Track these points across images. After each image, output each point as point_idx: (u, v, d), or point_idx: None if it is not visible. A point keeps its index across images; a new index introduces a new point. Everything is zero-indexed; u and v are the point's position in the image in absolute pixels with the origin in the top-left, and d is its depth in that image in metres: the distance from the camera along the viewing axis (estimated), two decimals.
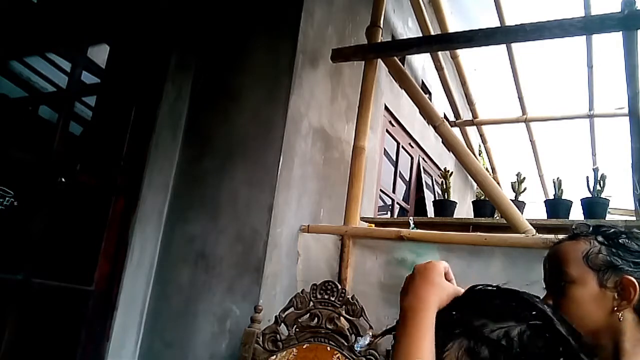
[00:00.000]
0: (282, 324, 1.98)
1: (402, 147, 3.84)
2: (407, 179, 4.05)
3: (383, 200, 3.65)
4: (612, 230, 0.98)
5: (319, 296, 1.97)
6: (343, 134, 2.79)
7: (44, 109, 3.02)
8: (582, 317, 0.92)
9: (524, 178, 2.73)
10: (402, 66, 2.62)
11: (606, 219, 2.35)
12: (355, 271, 2.25)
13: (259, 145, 2.38)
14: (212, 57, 2.67)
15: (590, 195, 2.35)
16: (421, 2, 3.39)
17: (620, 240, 0.96)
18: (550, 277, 1.02)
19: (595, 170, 2.37)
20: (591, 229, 1.01)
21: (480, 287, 0.75)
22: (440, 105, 4.33)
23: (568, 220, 2.30)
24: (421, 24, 3.43)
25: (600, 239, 0.97)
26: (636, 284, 0.90)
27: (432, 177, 4.43)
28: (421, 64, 4.08)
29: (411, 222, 2.34)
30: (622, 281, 0.91)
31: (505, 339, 0.62)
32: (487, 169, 3.79)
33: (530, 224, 2.02)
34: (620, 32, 2.15)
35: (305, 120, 2.47)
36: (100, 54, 2.54)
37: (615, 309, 0.91)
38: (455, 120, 4.37)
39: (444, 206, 2.94)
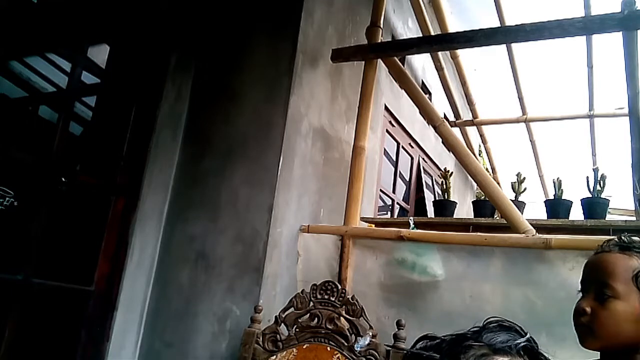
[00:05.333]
0: (282, 324, 1.98)
1: (402, 147, 3.84)
2: (407, 179, 4.05)
3: (383, 200, 3.65)
4: None
5: (319, 296, 1.97)
6: (343, 134, 2.79)
7: (44, 109, 3.02)
8: (617, 332, 0.95)
9: (524, 178, 2.73)
10: (402, 66, 2.61)
11: (606, 219, 2.35)
12: (355, 271, 2.25)
13: (259, 145, 2.38)
14: (212, 57, 2.67)
15: (590, 195, 2.35)
16: (421, 2, 3.39)
17: None
18: (592, 283, 1.01)
19: (595, 170, 2.37)
20: None
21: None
22: (440, 105, 4.33)
23: (568, 221, 2.30)
24: (421, 24, 3.43)
25: None
26: None
27: (432, 177, 4.43)
28: (421, 64, 4.08)
29: (411, 222, 2.34)
30: None
31: None
32: (487, 169, 3.79)
33: (530, 224, 2.02)
34: (620, 32, 2.15)
35: (305, 120, 2.47)
36: (100, 54, 2.54)
37: None
38: (455, 120, 4.37)
39: (444, 206, 2.94)
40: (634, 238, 1.01)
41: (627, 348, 0.96)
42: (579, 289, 1.04)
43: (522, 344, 0.73)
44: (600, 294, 0.97)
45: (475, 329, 0.76)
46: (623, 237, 1.02)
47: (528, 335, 0.75)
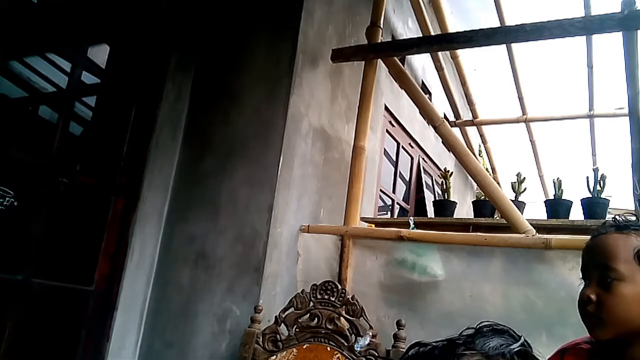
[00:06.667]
0: (282, 324, 1.98)
1: (402, 147, 3.84)
2: (407, 179, 4.05)
3: (383, 200, 3.65)
4: None
5: (319, 296, 1.97)
6: (343, 134, 2.79)
7: (44, 109, 3.02)
8: (628, 317, 0.90)
9: (524, 178, 2.72)
10: (402, 66, 2.61)
11: (606, 219, 2.35)
12: (355, 271, 2.25)
13: (259, 145, 2.37)
14: (212, 57, 2.67)
15: (590, 195, 2.35)
16: (421, 2, 3.39)
17: None
18: (593, 269, 0.96)
19: (595, 170, 2.37)
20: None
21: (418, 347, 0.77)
22: (440, 105, 4.33)
23: (568, 221, 2.30)
24: (421, 24, 3.43)
25: None
26: None
27: (432, 177, 4.43)
28: (421, 64, 4.08)
29: (411, 222, 2.34)
30: None
31: None
32: (487, 169, 3.79)
33: (530, 224, 2.02)
34: (620, 32, 2.15)
35: (305, 120, 2.47)
36: (100, 54, 2.55)
37: None
38: (455, 120, 4.37)
39: (444, 206, 2.94)
40: (629, 217, 0.97)
41: (636, 334, 0.91)
42: (580, 277, 0.99)
43: (516, 349, 0.72)
44: (603, 279, 0.92)
45: (468, 332, 0.75)
46: (618, 218, 0.98)
47: (522, 340, 0.74)
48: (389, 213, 3.77)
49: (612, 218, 0.99)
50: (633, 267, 0.90)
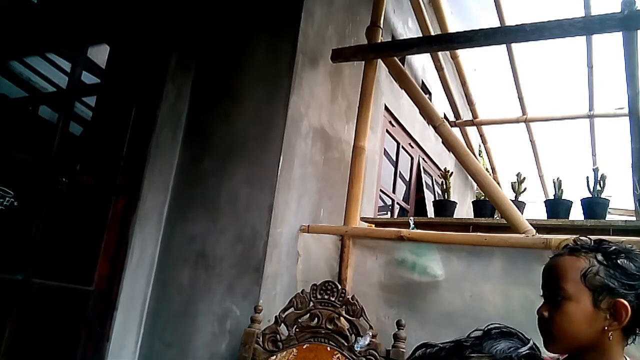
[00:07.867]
0: (282, 324, 1.98)
1: (402, 147, 3.84)
2: (407, 179, 4.05)
3: (383, 200, 3.65)
4: (613, 248, 1.00)
5: (319, 296, 1.98)
6: (343, 134, 2.79)
7: (44, 109, 3.02)
8: (573, 333, 0.97)
9: (524, 178, 2.72)
10: (402, 66, 2.61)
11: (606, 219, 2.35)
12: (355, 271, 2.25)
13: (259, 145, 2.38)
14: (212, 57, 2.67)
15: (590, 195, 2.35)
16: (421, 2, 3.39)
17: (619, 261, 0.98)
18: (547, 288, 1.05)
19: (595, 170, 2.37)
20: (593, 243, 1.03)
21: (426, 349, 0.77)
22: (440, 105, 4.33)
23: (568, 221, 2.30)
24: (421, 24, 3.43)
25: (600, 257, 0.99)
26: (628, 307, 0.94)
27: (432, 177, 4.43)
28: (421, 64, 4.08)
29: (411, 222, 2.34)
30: (616, 304, 0.95)
31: None
32: (487, 169, 3.79)
33: (530, 224, 2.02)
34: (620, 32, 2.15)
35: (305, 120, 2.47)
36: (100, 54, 2.55)
37: (606, 328, 0.95)
38: (455, 120, 4.37)
39: (444, 206, 2.93)
40: (584, 239, 1.04)
41: (587, 349, 0.98)
42: (541, 294, 1.07)
43: (524, 352, 0.71)
44: (554, 297, 1.01)
45: (475, 334, 0.75)
46: (574, 240, 1.06)
47: (531, 343, 0.73)
48: (389, 213, 3.77)
49: (572, 240, 1.07)
50: (579, 287, 0.97)
